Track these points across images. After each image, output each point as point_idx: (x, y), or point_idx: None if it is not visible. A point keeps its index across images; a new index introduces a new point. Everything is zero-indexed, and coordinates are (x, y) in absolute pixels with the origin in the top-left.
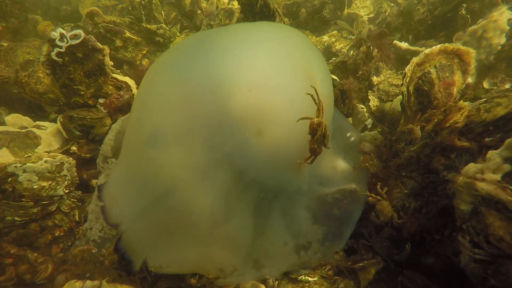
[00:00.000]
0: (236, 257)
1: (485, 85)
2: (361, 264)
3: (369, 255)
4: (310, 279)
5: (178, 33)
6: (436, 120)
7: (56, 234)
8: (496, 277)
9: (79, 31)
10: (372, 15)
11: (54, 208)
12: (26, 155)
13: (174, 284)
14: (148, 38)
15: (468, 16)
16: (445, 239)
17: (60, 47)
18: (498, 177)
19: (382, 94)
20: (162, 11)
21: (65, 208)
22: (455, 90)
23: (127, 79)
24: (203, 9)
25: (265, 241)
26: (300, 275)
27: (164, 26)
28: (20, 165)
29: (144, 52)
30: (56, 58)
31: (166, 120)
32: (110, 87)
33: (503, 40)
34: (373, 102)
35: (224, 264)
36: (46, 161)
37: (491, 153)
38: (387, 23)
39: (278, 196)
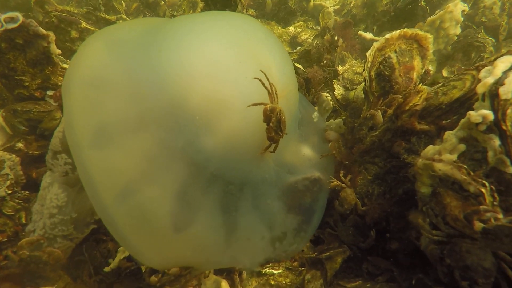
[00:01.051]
0: (209, 258)
1: (444, 73)
2: (328, 253)
3: (335, 244)
4: (274, 271)
5: None
6: (396, 104)
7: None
8: (451, 256)
9: (16, 14)
10: (338, 6)
11: None
12: None
13: (132, 285)
14: None
15: (428, 7)
16: (407, 224)
17: None
18: (454, 157)
19: (347, 83)
20: (123, 2)
21: (9, 210)
22: (415, 74)
23: None
24: (166, 0)
25: (240, 238)
26: (264, 268)
27: (124, 17)
28: None
29: None
30: None
31: (111, 117)
32: (60, 78)
33: (458, 30)
34: (338, 90)
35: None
36: None
37: (447, 134)
38: (352, 14)
39: (243, 189)
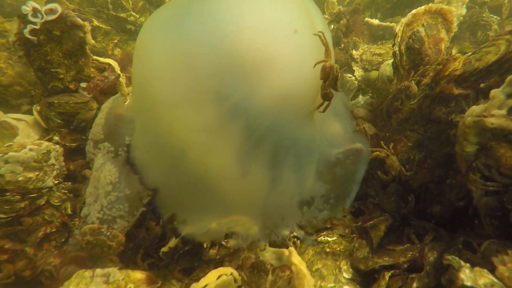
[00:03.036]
0: (251, 214)
1: (454, 52)
2: (371, 222)
3: (377, 213)
4: (329, 239)
5: None
6: (432, 73)
7: (48, 230)
8: None
9: (55, 5)
10: None
11: (44, 202)
12: (6, 145)
13: (187, 263)
14: (118, 26)
15: None
16: (447, 187)
17: (34, 23)
18: (504, 111)
19: (366, 64)
20: (129, 0)
21: (56, 201)
22: (443, 46)
23: (109, 61)
24: None
25: (278, 195)
26: (320, 236)
27: (134, 13)
28: (1, 155)
29: (116, 41)
30: (29, 37)
31: (171, 81)
32: (92, 69)
33: (464, 11)
34: (358, 72)
35: (240, 223)
36: (31, 149)
37: (494, 92)
38: (356, 3)
39: (288, 148)
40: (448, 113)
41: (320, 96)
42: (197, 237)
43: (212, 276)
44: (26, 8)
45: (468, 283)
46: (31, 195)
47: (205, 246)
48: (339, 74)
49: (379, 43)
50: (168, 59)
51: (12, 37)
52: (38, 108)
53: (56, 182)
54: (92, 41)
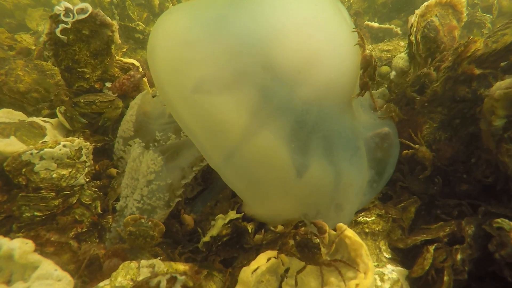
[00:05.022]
0: (320, 204)
1: None
2: (402, 205)
3: (405, 196)
4: (368, 219)
5: None
6: (451, 57)
7: (79, 230)
8: None
9: (86, 5)
10: None
11: (75, 200)
12: (41, 141)
13: (227, 254)
14: (127, 35)
15: None
16: (473, 166)
17: (66, 22)
18: None
19: (376, 60)
20: (135, 12)
21: (86, 199)
22: (456, 33)
23: (133, 61)
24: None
25: (345, 184)
26: (359, 217)
27: (140, 23)
28: (37, 151)
29: (124, 50)
30: (61, 36)
31: (208, 74)
32: (116, 69)
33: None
34: None
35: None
36: (64, 145)
37: None
38: (353, 9)
39: (335, 139)
40: (473, 91)
41: (358, 85)
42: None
43: (262, 259)
44: (59, 8)
45: None
46: (65, 193)
47: (249, 231)
48: (377, 64)
49: (385, 40)
50: (215, 45)
51: (44, 37)
52: (62, 109)
53: (88, 179)
54: (119, 40)
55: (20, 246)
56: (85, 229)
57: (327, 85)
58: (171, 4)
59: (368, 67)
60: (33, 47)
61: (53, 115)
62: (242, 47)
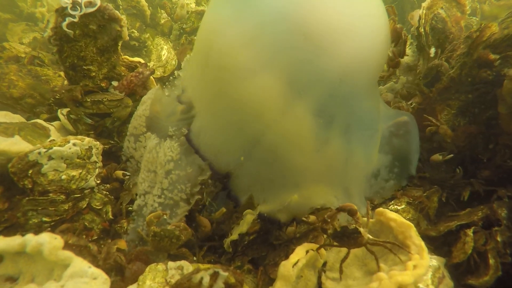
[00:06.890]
0: (333, 189)
1: None
2: (425, 194)
3: (426, 186)
4: (398, 207)
5: (152, 38)
6: (464, 45)
7: (88, 239)
8: None
9: None
10: None
11: (85, 205)
12: (49, 139)
13: (255, 252)
14: (122, 43)
15: (416, 0)
16: (492, 151)
17: (73, 16)
18: None
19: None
20: (127, 21)
21: (97, 203)
22: (463, 24)
23: (139, 59)
24: (173, 15)
25: (352, 167)
26: (389, 206)
27: (135, 31)
28: (45, 150)
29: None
30: (67, 30)
31: (242, 55)
32: (123, 68)
33: None
34: None
35: (320, 194)
36: (74, 144)
37: None
38: None
39: (356, 119)
40: (496, 72)
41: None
42: (276, 213)
43: (301, 252)
44: (66, 1)
45: None
46: (75, 196)
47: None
48: (407, 39)
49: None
50: (246, 31)
51: (49, 31)
52: (64, 111)
53: (98, 181)
54: (127, 37)
55: (50, 240)
56: (96, 237)
57: (361, 58)
58: (163, 14)
59: (399, 40)
60: (23, 55)
61: (52, 120)
62: (281, 15)
